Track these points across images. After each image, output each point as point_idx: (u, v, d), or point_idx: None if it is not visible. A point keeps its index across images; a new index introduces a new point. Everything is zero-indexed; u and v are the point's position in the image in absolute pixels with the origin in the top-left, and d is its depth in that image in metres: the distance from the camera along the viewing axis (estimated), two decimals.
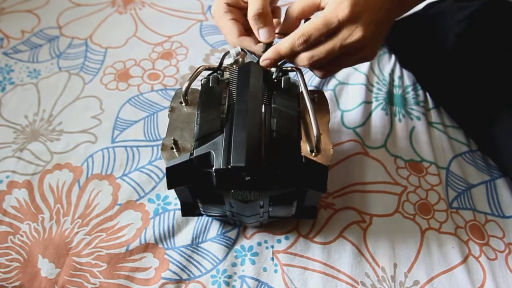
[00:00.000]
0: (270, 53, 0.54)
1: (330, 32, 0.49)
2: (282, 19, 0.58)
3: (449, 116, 0.79)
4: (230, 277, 0.61)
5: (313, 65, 0.53)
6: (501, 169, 0.73)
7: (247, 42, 0.56)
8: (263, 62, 0.55)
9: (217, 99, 0.53)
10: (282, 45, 0.52)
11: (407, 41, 0.85)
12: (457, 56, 0.75)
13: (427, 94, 0.82)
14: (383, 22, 0.51)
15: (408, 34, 0.84)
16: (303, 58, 0.52)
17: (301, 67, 0.55)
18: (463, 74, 0.74)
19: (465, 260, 0.63)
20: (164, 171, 0.70)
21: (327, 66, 0.54)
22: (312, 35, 0.50)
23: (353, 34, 0.49)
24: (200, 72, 0.56)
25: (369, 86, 0.83)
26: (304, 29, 0.50)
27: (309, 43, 0.50)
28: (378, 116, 0.79)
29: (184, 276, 0.61)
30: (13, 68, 0.87)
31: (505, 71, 0.71)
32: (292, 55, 0.53)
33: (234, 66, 0.58)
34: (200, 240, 0.64)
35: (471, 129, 0.76)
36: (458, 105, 0.76)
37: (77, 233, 0.65)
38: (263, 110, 0.50)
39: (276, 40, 0.56)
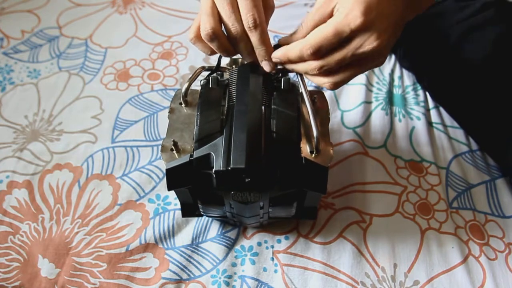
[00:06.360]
0: (279, 53, 0.51)
1: (341, 41, 0.46)
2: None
3: (449, 115, 0.79)
4: (230, 277, 0.61)
5: (323, 74, 0.50)
6: (502, 168, 0.73)
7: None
8: (273, 59, 0.52)
9: (216, 100, 0.53)
10: (292, 50, 0.49)
11: (407, 41, 0.84)
12: (458, 56, 0.75)
13: (427, 93, 0.82)
14: (396, 27, 0.48)
15: (408, 34, 0.84)
16: (313, 67, 0.49)
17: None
18: (464, 73, 0.74)
19: (465, 260, 0.63)
20: (164, 171, 0.70)
21: (337, 75, 0.50)
22: (322, 47, 0.46)
23: (367, 43, 0.45)
24: (200, 73, 0.56)
25: (369, 86, 0.83)
26: (314, 39, 0.47)
27: (319, 55, 0.47)
28: (378, 116, 0.79)
29: (184, 276, 0.61)
30: (13, 68, 0.87)
31: (507, 70, 0.71)
32: (300, 61, 0.50)
33: (233, 66, 0.58)
34: (200, 240, 0.64)
35: (473, 128, 0.76)
36: (460, 104, 0.76)
37: (77, 233, 0.65)
38: (263, 111, 0.50)
39: None
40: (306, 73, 0.51)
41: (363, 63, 0.49)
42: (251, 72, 0.53)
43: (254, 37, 0.50)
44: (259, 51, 0.51)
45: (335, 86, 0.51)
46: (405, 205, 0.68)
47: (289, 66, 0.52)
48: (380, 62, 0.50)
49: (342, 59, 0.47)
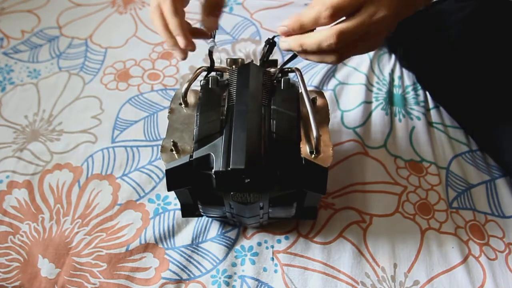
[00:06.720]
0: (290, 21, 0.48)
1: (357, 5, 0.46)
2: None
3: (449, 115, 0.79)
4: (230, 277, 0.61)
5: (340, 43, 0.47)
6: (502, 168, 0.73)
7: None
8: (280, 28, 0.50)
9: (216, 100, 0.53)
10: (306, 14, 0.47)
11: (407, 41, 0.84)
12: (458, 56, 0.75)
13: (427, 93, 0.82)
14: (403, 8, 0.49)
15: (408, 34, 0.84)
16: (330, 35, 0.46)
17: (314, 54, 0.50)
18: (464, 73, 0.74)
19: (465, 260, 0.63)
20: (164, 171, 0.70)
21: (346, 47, 0.49)
22: (341, 7, 0.45)
23: (380, 10, 0.46)
24: (200, 73, 0.56)
25: (369, 86, 0.83)
26: (332, 0, 0.45)
27: (336, 17, 0.46)
28: (378, 116, 0.79)
29: (184, 276, 0.61)
30: (13, 68, 0.87)
31: (506, 70, 0.71)
32: (312, 27, 0.48)
33: (233, 67, 0.58)
34: (200, 240, 0.64)
35: (472, 128, 0.76)
36: (459, 104, 0.76)
37: (77, 233, 0.65)
38: (262, 112, 0.50)
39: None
40: (320, 44, 0.48)
41: (369, 36, 0.48)
42: (250, 73, 0.53)
43: (164, 8, 0.51)
44: (171, 25, 0.51)
45: (341, 59, 0.50)
46: (405, 205, 0.68)
47: (299, 40, 0.49)
48: (378, 42, 0.50)
49: (360, 24, 0.46)
